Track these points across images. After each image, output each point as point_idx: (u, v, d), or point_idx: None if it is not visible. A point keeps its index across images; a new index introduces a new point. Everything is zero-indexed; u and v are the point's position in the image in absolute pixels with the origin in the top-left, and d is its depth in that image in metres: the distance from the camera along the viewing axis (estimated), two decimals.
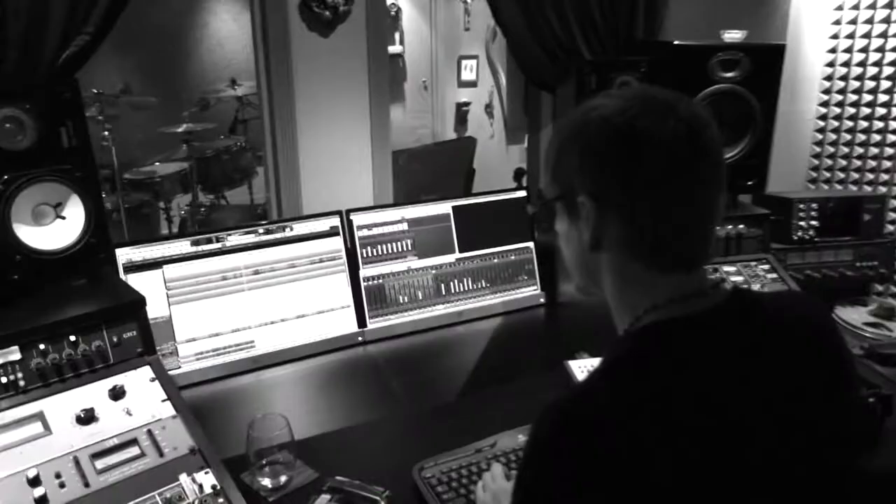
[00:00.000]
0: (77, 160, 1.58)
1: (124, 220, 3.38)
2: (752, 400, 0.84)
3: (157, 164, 4.27)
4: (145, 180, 4.00)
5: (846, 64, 2.78)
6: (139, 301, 1.57)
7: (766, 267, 2.14)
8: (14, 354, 1.40)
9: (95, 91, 3.74)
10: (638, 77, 2.14)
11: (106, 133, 3.41)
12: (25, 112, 1.49)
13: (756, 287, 2.07)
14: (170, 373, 1.81)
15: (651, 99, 0.89)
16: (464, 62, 6.26)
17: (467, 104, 6.34)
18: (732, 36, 2.21)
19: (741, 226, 2.17)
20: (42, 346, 1.43)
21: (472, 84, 6.34)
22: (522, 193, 2.36)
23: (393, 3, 5.71)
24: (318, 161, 2.24)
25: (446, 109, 6.30)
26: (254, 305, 1.97)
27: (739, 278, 2.10)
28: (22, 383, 1.40)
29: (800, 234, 2.27)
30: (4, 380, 1.39)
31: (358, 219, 2.13)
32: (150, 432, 1.40)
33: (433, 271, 2.21)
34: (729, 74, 2.08)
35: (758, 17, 2.81)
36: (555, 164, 0.96)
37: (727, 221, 2.16)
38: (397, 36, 5.87)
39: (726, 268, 2.13)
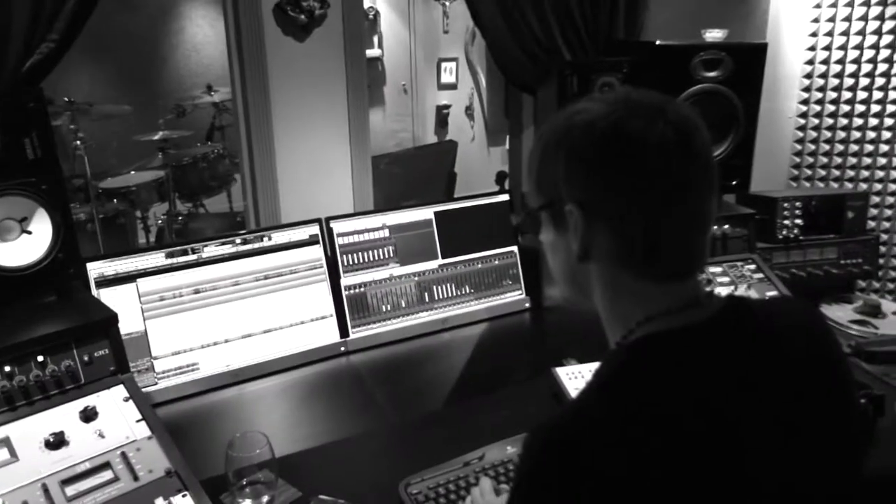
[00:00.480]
0: (43, 172, 1.52)
1: (99, 231, 3.30)
2: (751, 411, 0.81)
3: (133, 172, 4.18)
4: (121, 189, 3.91)
5: (825, 62, 2.78)
6: (111, 318, 1.51)
7: (752, 267, 2.12)
8: None
9: (67, 99, 3.65)
10: (620, 78, 2.11)
11: (78, 142, 3.33)
12: None
13: (742, 287, 2.05)
14: (146, 390, 1.77)
15: (637, 102, 0.86)
16: (443, 65, 6.24)
17: (448, 107, 6.32)
18: (714, 35, 2.19)
19: (726, 226, 2.15)
20: (7, 368, 1.37)
21: (452, 86, 6.32)
22: (505, 197, 2.33)
23: (371, 7, 5.67)
24: (296, 168, 2.19)
25: (427, 112, 6.27)
26: (233, 318, 1.92)
27: (726, 279, 2.08)
28: None
29: (784, 233, 2.26)
30: None
31: (338, 226, 2.08)
32: (123, 455, 1.35)
33: (416, 278, 2.17)
34: (711, 74, 2.06)
35: (738, 16, 2.81)
36: (539, 171, 0.92)
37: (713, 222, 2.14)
38: (376, 39, 5.82)
39: (712, 269, 2.11)
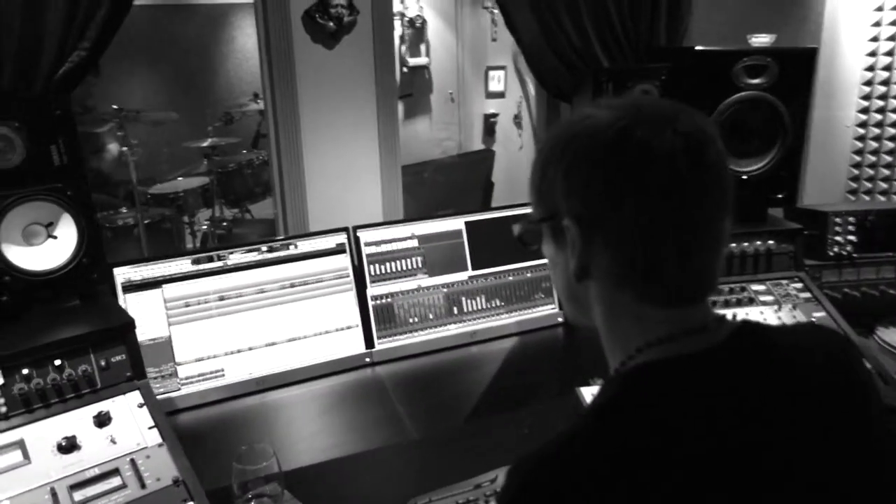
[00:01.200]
0: (69, 178, 1.54)
1: (143, 236, 3.38)
2: (762, 452, 0.73)
3: (180, 178, 4.28)
4: (169, 195, 4.01)
5: (888, 68, 2.62)
6: (128, 324, 1.51)
7: (799, 286, 2.00)
8: None
9: (115, 107, 3.76)
10: (658, 85, 2.03)
11: (125, 149, 3.42)
12: (15, 130, 1.46)
13: (787, 307, 1.93)
14: (169, 395, 1.78)
15: (646, 109, 0.80)
16: (491, 73, 6.18)
17: (495, 115, 6.26)
18: (760, 40, 2.09)
19: (770, 242, 2.04)
20: (25, 371, 1.38)
21: (500, 95, 6.26)
22: None
23: (418, 15, 5.68)
24: (325, 176, 2.18)
25: (473, 121, 6.23)
26: (257, 325, 1.91)
27: (769, 298, 1.96)
28: (3, 409, 1.36)
29: (836, 249, 2.12)
30: None
31: (365, 235, 2.06)
32: (133, 462, 1.35)
33: (444, 290, 2.13)
34: (755, 81, 1.96)
35: (790, 20, 2.68)
36: (539, 181, 0.86)
37: (755, 237, 2.03)
38: (423, 47, 5.83)
39: (755, 286, 1.99)
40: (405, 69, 5.87)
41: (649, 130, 0.77)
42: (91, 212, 1.59)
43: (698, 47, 1.97)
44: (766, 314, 1.92)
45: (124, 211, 3.58)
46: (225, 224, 4.11)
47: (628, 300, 0.81)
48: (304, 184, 2.14)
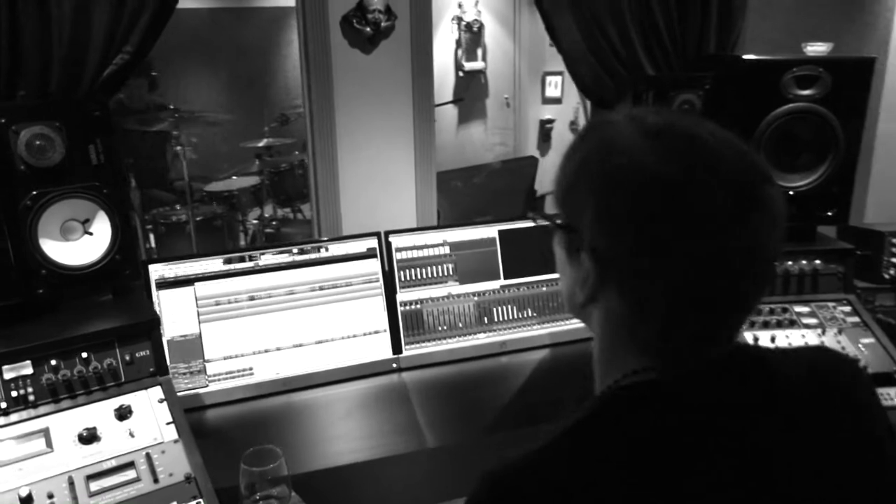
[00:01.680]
0: (105, 177, 1.59)
1: (193, 233, 3.48)
2: (734, 475, 0.69)
3: (234, 177, 4.39)
4: (223, 193, 4.12)
5: None
6: (153, 320, 1.55)
7: (847, 309, 1.89)
8: (26, 369, 1.42)
9: (171, 107, 3.90)
10: (701, 95, 1.96)
11: (179, 148, 3.54)
12: (56, 130, 1.52)
13: (832, 331, 1.83)
14: (197, 391, 1.82)
15: (700, 147, 0.71)
16: (548, 78, 6.13)
17: (551, 121, 6.20)
18: (816, 49, 1.99)
19: (817, 261, 1.94)
20: (54, 362, 1.44)
21: (557, 101, 6.20)
22: None
23: (476, 20, 5.67)
24: (359, 180, 2.20)
25: (529, 126, 6.19)
26: (285, 326, 1.94)
27: (813, 320, 1.86)
28: (31, 398, 1.41)
29: (893, 272, 2.00)
30: (15, 394, 1.40)
31: (397, 241, 2.06)
32: (148, 456, 1.38)
33: (475, 298, 2.11)
34: (805, 92, 1.86)
35: (854, 27, 2.55)
36: (566, 189, 0.79)
37: (800, 256, 1.93)
38: (479, 52, 5.82)
39: (798, 308, 1.90)
40: (461, 73, 5.88)
41: (703, 179, 0.69)
42: (125, 209, 1.64)
43: (745, 56, 1.89)
44: (808, 338, 1.82)
45: (178, 208, 3.70)
46: (274, 223, 4.20)
47: (630, 340, 0.77)
48: (338, 187, 2.16)
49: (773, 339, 1.81)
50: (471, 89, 5.95)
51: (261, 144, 4.45)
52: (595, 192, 0.75)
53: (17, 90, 1.66)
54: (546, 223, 0.84)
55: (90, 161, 1.57)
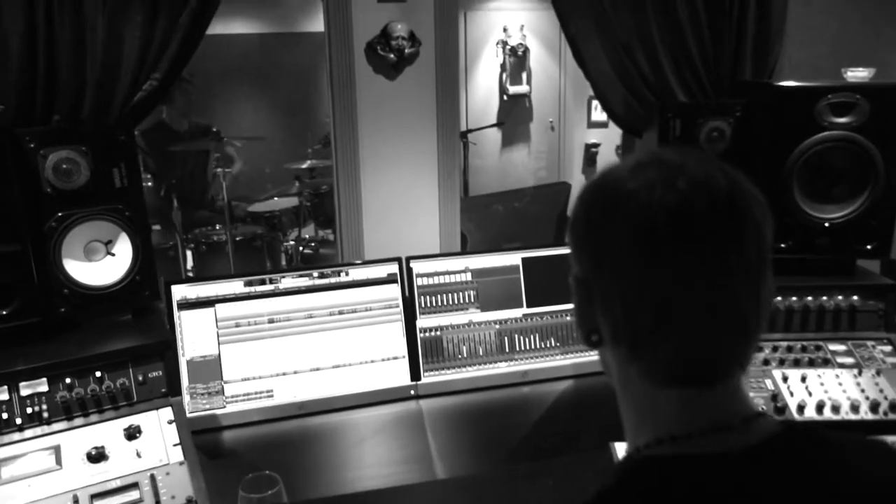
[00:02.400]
0: (128, 200, 1.63)
1: (231, 253, 3.56)
2: None
3: (276, 198, 4.48)
4: (265, 213, 4.21)
5: None
6: (166, 342, 1.58)
7: (888, 349, 1.79)
8: (42, 386, 1.46)
9: (214, 129, 4.01)
10: (731, 123, 1.90)
11: (218, 170, 3.63)
12: (82, 154, 1.57)
13: (870, 372, 1.73)
14: (214, 412, 1.84)
15: (669, 165, 0.71)
16: (594, 102, 6.07)
17: (596, 145, 6.13)
18: (857, 75, 1.91)
19: (855, 297, 1.84)
20: (69, 380, 1.47)
21: (603, 125, 6.12)
22: None
23: (521, 44, 5.68)
24: (382, 204, 2.20)
25: (574, 151, 6.13)
26: (304, 350, 1.94)
27: (849, 360, 1.77)
28: (46, 415, 1.45)
29: None
30: (30, 410, 1.44)
31: (418, 266, 2.05)
32: (153, 477, 1.39)
33: (497, 326, 2.07)
34: (842, 120, 1.78)
35: None
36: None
37: (836, 291, 1.84)
38: (524, 76, 5.81)
39: (833, 346, 1.80)
40: (505, 97, 5.88)
41: (644, 184, 0.69)
42: (146, 232, 1.68)
43: (777, 83, 1.83)
44: (842, 378, 1.72)
45: (218, 227, 3.79)
46: (312, 244, 4.26)
47: (636, 376, 0.73)
48: (360, 212, 2.17)
49: (803, 379, 1.72)
50: (515, 113, 5.94)
51: (304, 166, 4.53)
52: (577, 217, 0.77)
53: (53, 114, 1.72)
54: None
55: (114, 184, 1.62)
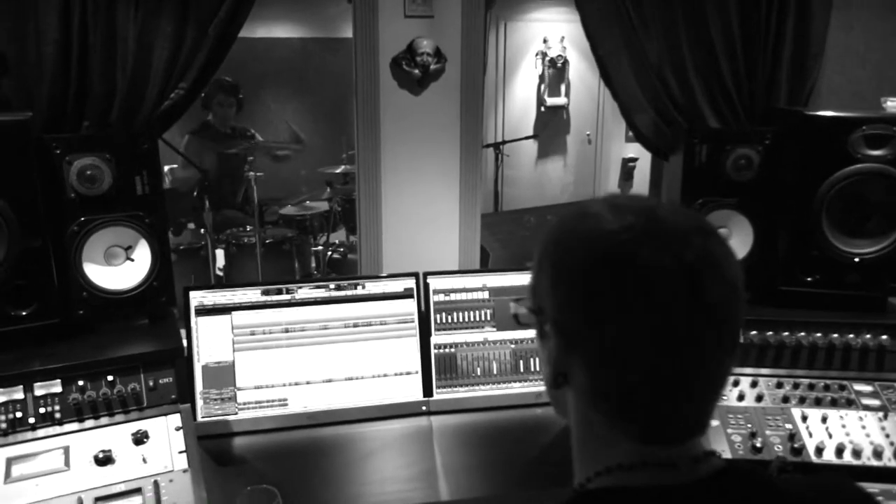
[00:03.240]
0: (148, 207, 1.67)
1: (259, 256, 3.60)
2: None
3: (308, 202, 4.53)
4: (296, 217, 4.25)
5: None
6: (177, 349, 1.60)
7: None
8: (56, 387, 1.49)
9: (249, 133, 4.08)
10: (760, 151, 1.85)
11: (251, 173, 3.69)
12: (105, 161, 1.61)
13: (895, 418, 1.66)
14: (226, 418, 1.86)
15: (660, 223, 0.71)
16: None
17: (634, 160, 6.05)
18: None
19: (884, 336, 1.77)
20: (81, 383, 1.50)
21: None
22: None
23: (560, 55, 5.64)
24: (402, 220, 2.21)
25: (610, 164, 6.06)
26: (318, 361, 1.95)
27: (874, 402, 1.70)
28: (58, 416, 1.48)
29: None
30: (43, 410, 1.47)
31: (435, 283, 2.04)
32: (156, 483, 1.41)
33: (512, 345, 2.05)
34: (877, 152, 1.72)
35: None
36: (534, 270, 0.81)
37: (864, 329, 1.77)
38: (563, 87, 5.77)
39: (858, 386, 1.73)
40: (542, 108, 5.85)
41: (651, 251, 0.68)
42: (164, 238, 1.70)
43: (810, 112, 1.77)
44: (866, 421, 1.66)
45: (249, 229, 3.84)
46: (341, 249, 4.29)
47: (601, 423, 0.75)
48: (380, 225, 2.17)
49: (824, 419, 1.66)
50: (551, 125, 5.90)
51: (337, 171, 4.57)
52: (551, 257, 0.76)
53: (83, 121, 1.77)
54: (521, 312, 0.85)
55: (135, 191, 1.65)
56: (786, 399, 1.73)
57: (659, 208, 0.73)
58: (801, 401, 1.72)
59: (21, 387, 1.46)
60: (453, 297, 2.05)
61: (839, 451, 1.60)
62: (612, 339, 0.69)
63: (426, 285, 2.03)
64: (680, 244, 0.69)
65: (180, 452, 1.48)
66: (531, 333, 2.01)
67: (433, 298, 2.03)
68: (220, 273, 3.87)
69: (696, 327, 0.68)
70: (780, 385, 1.76)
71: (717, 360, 0.71)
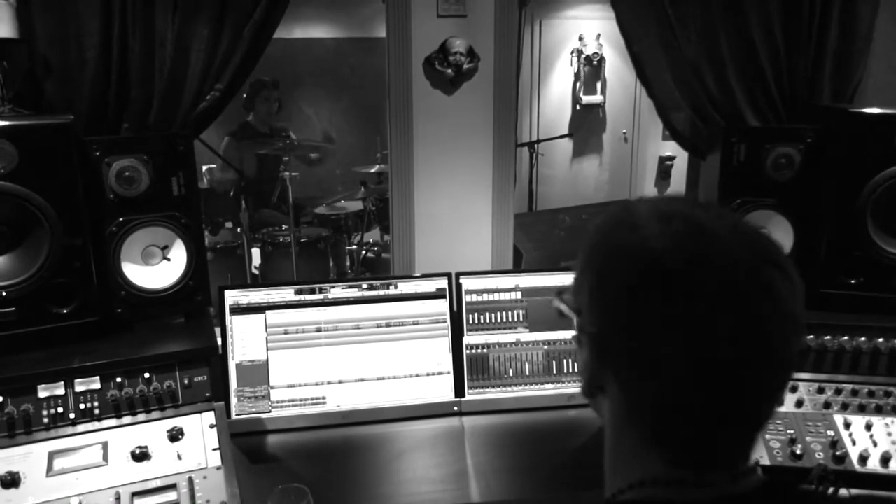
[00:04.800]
0: (184, 207, 1.69)
1: (294, 255, 3.64)
2: None
3: (343, 201, 4.56)
4: (331, 216, 4.29)
5: None
6: (212, 348, 1.62)
7: None
8: (95, 384, 1.52)
9: (284, 134, 4.13)
10: (801, 149, 1.80)
11: (287, 173, 3.73)
12: (143, 162, 1.64)
13: None
14: (260, 416, 1.88)
15: (710, 241, 0.68)
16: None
17: (672, 158, 5.95)
18: None
19: None
20: (119, 380, 1.53)
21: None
22: None
23: (596, 52, 5.58)
24: (435, 220, 2.21)
25: (647, 163, 5.97)
26: (350, 360, 1.96)
27: None
28: (97, 412, 1.51)
29: None
30: (83, 406, 1.51)
31: (468, 283, 2.03)
32: (190, 480, 1.43)
33: (545, 347, 2.04)
34: None
35: None
36: (577, 271, 0.78)
37: None
38: (598, 85, 5.70)
39: None
40: (578, 107, 5.79)
41: (703, 275, 0.66)
42: (200, 238, 1.73)
43: (855, 109, 1.72)
44: None
45: (284, 228, 3.89)
46: (375, 248, 4.32)
47: (635, 436, 0.72)
48: (413, 225, 2.18)
49: (868, 427, 1.61)
50: (587, 123, 5.84)
51: (372, 170, 4.60)
52: (594, 265, 0.74)
53: (122, 123, 1.81)
54: (564, 308, 0.83)
55: (172, 192, 1.68)
56: (827, 405, 1.68)
57: (714, 224, 0.69)
58: (844, 407, 1.67)
59: (62, 383, 1.50)
60: (486, 297, 2.04)
61: (885, 460, 1.55)
62: (650, 362, 0.67)
63: (458, 285, 2.02)
64: (737, 271, 0.66)
65: (214, 450, 1.50)
66: (564, 335, 2.01)
67: (466, 299, 2.02)
68: (257, 272, 3.92)
69: (744, 363, 0.65)
70: (821, 390, 1.71)
71: (765, 397, 0.68)
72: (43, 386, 1.48)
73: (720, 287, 0.65)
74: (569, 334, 2.09)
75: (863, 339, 1.74)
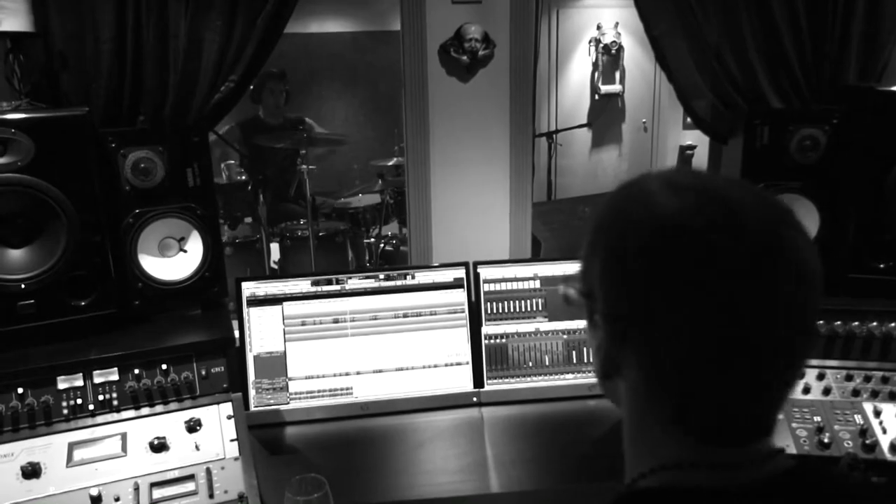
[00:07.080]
0: (200, 199, 1.69)
1: (312, 248, 3.63)
2: None
3: (361, 195, 4.55)
4: (349, 209, 4.28)
5: None
6: (228, 339, 1.62)
7: None
8: (113, 375, 1.53)
9: (300, 127, 4.12)
10: (827, 130, 1.75)
11: (303, 167, 3.72)
12: (158, 154, 1.64)
13: None
14: (279, 407, 1.88)
15: (730, 202, 0.66)
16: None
17: (692, 147, 5.87)
18: None
19: None
20: (137, 371, 1.54)
21: None
22: None
23: (614, 41, 5.51)
24: (452, 209, 2.18)
25: (667, 153, 5.90)
26: (368, 351, 1.95)
27: None
28: (115, 403, 1.52)
29: None
30: (101, 398, 1.51)
31: (486, 272, 2.01)
32: (208, 470, 1.43)
33: (564, 336, 2.01)
34: None
35: None
36: (585, 251, 0.76)
37: None
38: (617, 74, 5.64)
39: None
40: (596, 96, 5.73)
41: (718, 237, 0.64)
42: (216, 230, 1.73)
43: (883, 87, 1.67)
44: None
45: (303, 222, 3.89)
46: (394, 241, 4.30)
47: (657, 416, 0.70)
48: (430, 215, 2.16)
49: (877, 413, 1.57)
50: (606, 113, 5.78)
51: (390, 163, 4.58)
52: (604, 239, 0.72)
53: (137, 115, 1.81)
54: (570, 294, 0.80)
55: (187, 183, 1.67)
56: (856, 392, 1.63)
57: (729, 188, 0.67)
58: (874, 394, 1.62)
59: (81, 374, 1.50)
60: (504, 286, 2.01)
61: None
62: (671, 329, 0.65)
63: (476, 275, 2.00)
64: (757, 233, 0.64)
65: (232, 440, 1.50)
66: (584, 324, 1.98)
67: (484, 288, 2.00)
68: (275, 266, 3.93)
69: (765, 324, 0.63)
70: (849, 378, 1.67)
71: (787, 361, 0.66)
72: (62, 377, 1.49)
73: (741, 248, 0.63)
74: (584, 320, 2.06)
75: (893, 324, 1.69)
